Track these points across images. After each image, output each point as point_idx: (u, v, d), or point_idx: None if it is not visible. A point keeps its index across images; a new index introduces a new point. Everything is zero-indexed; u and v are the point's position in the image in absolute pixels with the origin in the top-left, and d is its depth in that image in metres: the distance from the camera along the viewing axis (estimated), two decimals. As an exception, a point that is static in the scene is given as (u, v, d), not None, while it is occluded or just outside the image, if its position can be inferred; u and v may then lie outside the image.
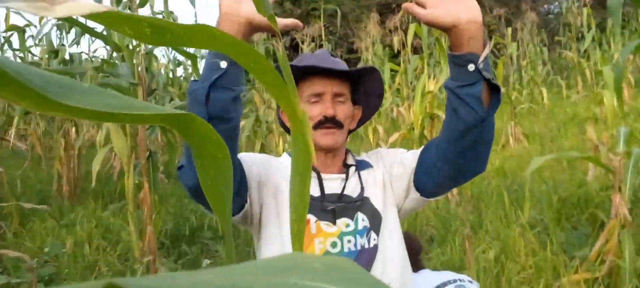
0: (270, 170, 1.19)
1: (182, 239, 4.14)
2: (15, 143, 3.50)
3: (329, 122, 1.17)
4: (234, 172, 1.00)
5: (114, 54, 5.68)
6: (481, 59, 0.99)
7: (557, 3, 22.79)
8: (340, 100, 1.20)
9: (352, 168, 1.23)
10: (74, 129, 6.04)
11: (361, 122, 1.32)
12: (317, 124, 1.16)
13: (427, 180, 1.16)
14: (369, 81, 1.26)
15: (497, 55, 13.10)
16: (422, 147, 1.21)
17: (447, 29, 1.00)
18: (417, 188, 1.19)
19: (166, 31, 0.40)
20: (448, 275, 1.65)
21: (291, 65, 1.19)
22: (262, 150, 6.30)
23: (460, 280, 1.62)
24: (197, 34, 0.43)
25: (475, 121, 1.01)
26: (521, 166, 5.62)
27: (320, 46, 8.97)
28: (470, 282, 1.65)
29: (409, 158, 1.22)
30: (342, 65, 1.23)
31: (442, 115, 4.92)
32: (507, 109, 7.61)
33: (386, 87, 7.04)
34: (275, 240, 1.13)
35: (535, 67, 10.13)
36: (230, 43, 0.46)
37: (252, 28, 1.00)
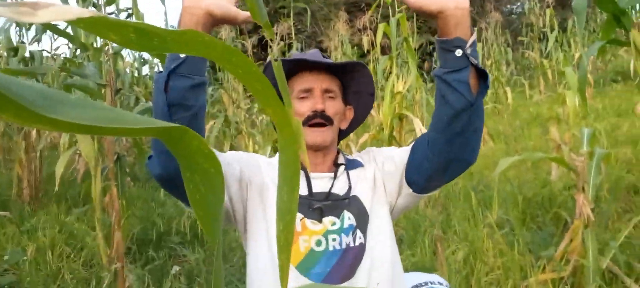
0: (255, 169, 1.19)
1: (149, 244, 4.05)
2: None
3: (318, 117, 1.16)
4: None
5: (78, 52, 5.52)
6: (468, 44, 1.01)
7: (519, 3, 23.36)
8: (331, 96, 1.21)
9: (342, 168, 1.23)
10: (34, 131, 5.84)
11: (354, 123, 1.31)
12: (306, 120, 1.16)
13: (419, 175, 1.17)
14: (359, 79, 1.26)
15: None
16: (414, 141, 1.21)
17: (434, 15, 1.03)
18: (409, 184, 1.19)
19: (153, 36, 0.38)
20: (419, 276, 1.66)
21: (282, 59, 1.18)
22: (231, 148, 6.24)
23: (431, 283, 1.63)
24: (186, 40, 0.41)
25: (464, 106, 1.03)
26: (487, 166, 5.73)
27: (289, 45, 8.94)
28: (441, 283, 1.67)
29: (401, 154, 1.22)
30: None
31: (411, 115, 4.97)
32: (473, 108, 7.76)
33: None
34: (262, 239, 1.13)
35: (500, 67, 10.36)
36: (220, 49, 0.44)
37: (213, 21, 0.99)
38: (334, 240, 1.12)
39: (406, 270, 2.86)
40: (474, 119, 1.06)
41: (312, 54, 1.24)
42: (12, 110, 0.28)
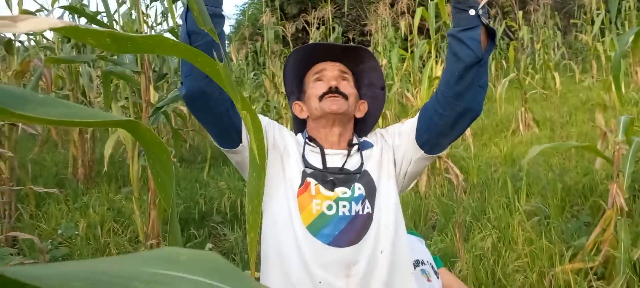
0: (280, 136, 1.30)
1: (191, 223, 4.25)
2: (24, 127, 3.61)
3: (333, 91, 1.28)
4: (221, 104, 1.12)
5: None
6: (481, 5, 1.13)
7: (575, -16, 22.32)
8: (345, 77, 1.31)
9: (355, 147, 1.31)
10: (88, 113, 6.16)
11: (369, 116, 1.40)
12: (322, 95, 1.27)
13: (429, 133, 1.25)
14: (370, 72, 1.35)
15: (511, 37, 12.94)
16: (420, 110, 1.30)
17: None
18: (421, 146, 1.27)
19: (126, 40, 0.47)
20: (416, 253, 1.68)
21: (297, 48, 1.34)
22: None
23: (422, 263, 1.66)
24: (155, 42, 0.49)
25: (474, 61, 1.14)
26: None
27: (333, 29, 8.96)
28: (432, 266, 1.70)
29: (407, 125, 1.31)
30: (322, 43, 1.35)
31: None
32: (518, 94, 7.56)
33: (394, 71, 7.04)
34: (281, 199, 1.23)
35: (549, 51, 9.99)
36: (183, 49, 0.53)
37: None
38: (344, 206, 1.20)
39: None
40: (481, 72, 1.17)
41: (305, 46, 1.34)
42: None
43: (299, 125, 1.40)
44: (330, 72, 1.30)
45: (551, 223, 3.13)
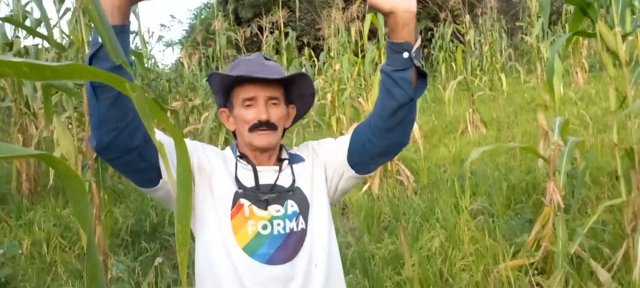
0: (205, 159, 1.27)
1: (142, 235, 4.17)
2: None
3: (263, 126, 1.26)
4: (133, 151, 1.08)
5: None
6: (414, 49, 1.17)
7: (520, -13, 23.19)
8: (274, 103, 1.30)
9: (286, 162, 1.33)
10: (33, 125, 5.94)
11: (296, 119, 1.42)
12: (252, 127, 1.26)
13: (362, 156, 1.31)
14: (301, 84, 1.36)
15: (461, 40, 13.32)
16: (352, 130, 1.34)
17: (386, 14, 1.17)
18: (353, 166, 1.32)
19: (45, 69, 0.47)
20: None
21: (224, 74, 1.29)
22: (226, 142, 6.32)
23: None
24: (74, 69, 0.50)
25: (405, 100, 1.19)
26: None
27: (286, 34, 8.97)
28: None
29: (340, 142, 1.35)
30: (276, 71, 1.31)
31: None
32: (466, 95, 7.80)
33: (348, 75, 7.12)
34: (211, 224, 1.22)
35: (495, 53, 10.37)
36: (105, 76, 0.54)
37: (130, 2, 1.07)
38: (278, 224, 1.22)
39: (385, 258, 2.94)
40: (412, 111, 1.24)
41: (255, 61, 1.31)
42: None
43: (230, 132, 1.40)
44: (260, 101, 1.27)
45: (496, 221, 3.26)
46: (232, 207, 1.22)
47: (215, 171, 1.26)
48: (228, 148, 1.36)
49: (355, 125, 4.80)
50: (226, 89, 1.31)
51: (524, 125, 6.65)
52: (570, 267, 2.58)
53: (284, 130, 1.37)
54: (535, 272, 2.64)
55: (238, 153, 1.32)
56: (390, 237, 3.39)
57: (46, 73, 0.48)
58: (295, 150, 1.39)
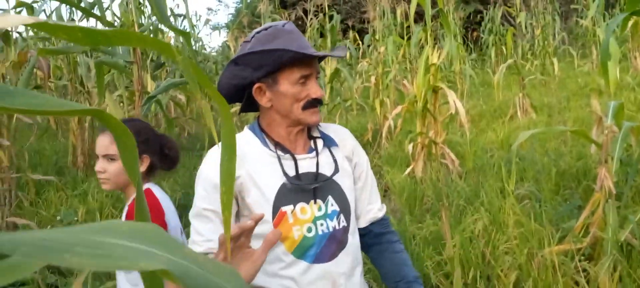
0: (241, 189, 1.23)
1: (188, 208, 4.29)
2: (19, 117, 3.65)
3: (318, 103, 1.26)
4: None
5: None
6: None
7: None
8: (319, 78, 1.30)
9: (320, 142, 1.32)
10: (87, 102, 6.21)
11: None
12: (306, 105, 1.24)
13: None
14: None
15: (511, 23, 12.89)
16: (375, 215, 1.40)
17: None
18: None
19: (98, 34, 0.51)
20: None
21: (284, 49, 1.20)
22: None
23: None
24: (123, 36, 0.53)
25: None
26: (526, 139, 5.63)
27: (331, 17, 8.95)
28: None
29: (366, 194, 1.40)
30: (316, 51, 1.26)
31: (445, 88, 4.95)
32: (516, 80, 7.57)
33: (393, 57, 7.05)
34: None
35: (548, 37, 9.98)
36: (150, 42, 0.57)
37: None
38: (321, 224, 1.25)
39: (426, 238, 2.93)
40: None
41: (299, 35, 1.25)
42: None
43: (247, 105, 1.32)
44: (313, 78, 1.24)
45: (543, 206, 3.17)
46: (274, 218, 1.21)
47: (245, 190, 1.22)
48: (244, 134, 1.31)
49: (398, 108, 4.62)
50: (279, 65, 1.21)
51: (576, 111, 6.41)
52: (619, 254, 2.49)
53: None
54: (582, 257, 2.56)
55: (269, 142, 1.28)
56: (433, 218, 3.36)
57: (99, 38, 0.51)
58: (322, 128, 1.37)
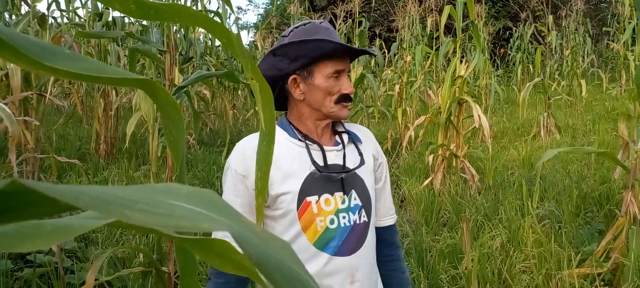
0: (271, 171, 1.24)
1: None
2: (52, 99, 3.72)
3: (349, 99, 1.30)
4: None
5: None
6: None
7: (610, -9, 21.82)
8: (350, 75, 1.32)
9: (345, 136, 1.34)
10: (114, 91, 6.32)
11: None
12: (339, 99, 1.27)
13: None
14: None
15: (540, 42, 12.74)
16: (387, 224, 1.41)
17: None
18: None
19: (150, 7, 0.52)
20: None
21: (323, 39, 1.24)
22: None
23: None
24: (174, 11, 0.54)
25: None
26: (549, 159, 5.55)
27: (359, 23, 8.96)
28: None
29: (384, 195, 1.41)
30: (353, 46, 1.34)
31: (471, 101, 4.90)
32: (542, 98, 7.48)
33: (419, 67, 7.02)
34: (280, 232, 1.25)
35: (577, 58, 9.84)
36: (202, 19, 0.58)
37: None
38: (344, 217, 1.26)
39: (442, 251, 2.91)
40: None
41: (334, 32, 1.31)
42: (22, 59, 0.42)
43: (278, 101, 1.33)
44: (345, 74, 1.28)
45: (563, 228, 3.12)
46: (299, 207, 1.23)
47: (271, 182, 1.24)
48: (285, 133, 1.31)
49: (420, 119, 4.61)
50: (317, 57, 1.25)
51: (603, 135, 6.30)
52: (641, 283, 2.44)
53: None
54: (602, 282, 2.51)
55: (297, 133, 1.30)
56: (450, 232, 3.34)
57: (150, 12, 0.52)
58: (347, 127, 1.39)
